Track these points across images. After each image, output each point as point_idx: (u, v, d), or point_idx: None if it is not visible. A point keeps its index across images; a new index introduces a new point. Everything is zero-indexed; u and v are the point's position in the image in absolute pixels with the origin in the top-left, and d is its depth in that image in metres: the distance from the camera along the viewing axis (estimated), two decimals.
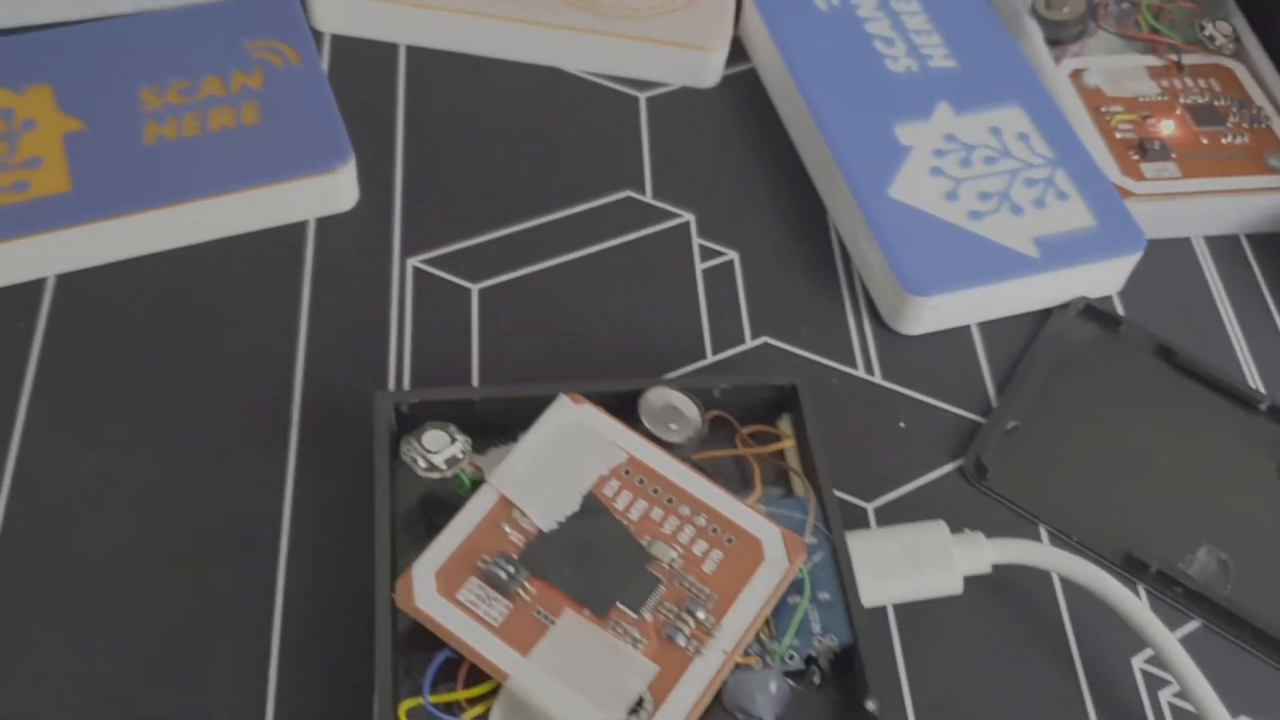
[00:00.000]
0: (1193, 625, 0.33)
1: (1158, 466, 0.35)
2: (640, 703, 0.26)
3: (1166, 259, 0.40)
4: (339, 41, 0.42)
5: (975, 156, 0.39)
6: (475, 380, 0.35)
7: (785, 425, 0.33)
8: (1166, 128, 0.41)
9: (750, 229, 0.39)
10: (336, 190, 0.37)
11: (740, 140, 0.41)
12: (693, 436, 0.31)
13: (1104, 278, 0.38)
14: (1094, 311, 0.38)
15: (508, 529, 0.29)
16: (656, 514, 0.29)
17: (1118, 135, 0.41)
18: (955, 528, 0.31)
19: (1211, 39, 0.44)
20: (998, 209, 0.37)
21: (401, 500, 0.30)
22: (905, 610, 0.32)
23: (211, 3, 0.40)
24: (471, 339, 0.35)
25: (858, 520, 0.33)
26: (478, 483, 0.29)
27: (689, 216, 0.39)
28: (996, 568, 0.31)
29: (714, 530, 0.29)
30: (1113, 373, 0.37)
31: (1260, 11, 0.45)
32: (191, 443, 0.33)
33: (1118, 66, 0.43)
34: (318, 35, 0.42)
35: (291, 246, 0.37)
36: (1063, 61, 0.43)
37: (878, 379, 0.36)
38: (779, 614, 0.29)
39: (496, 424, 0.31)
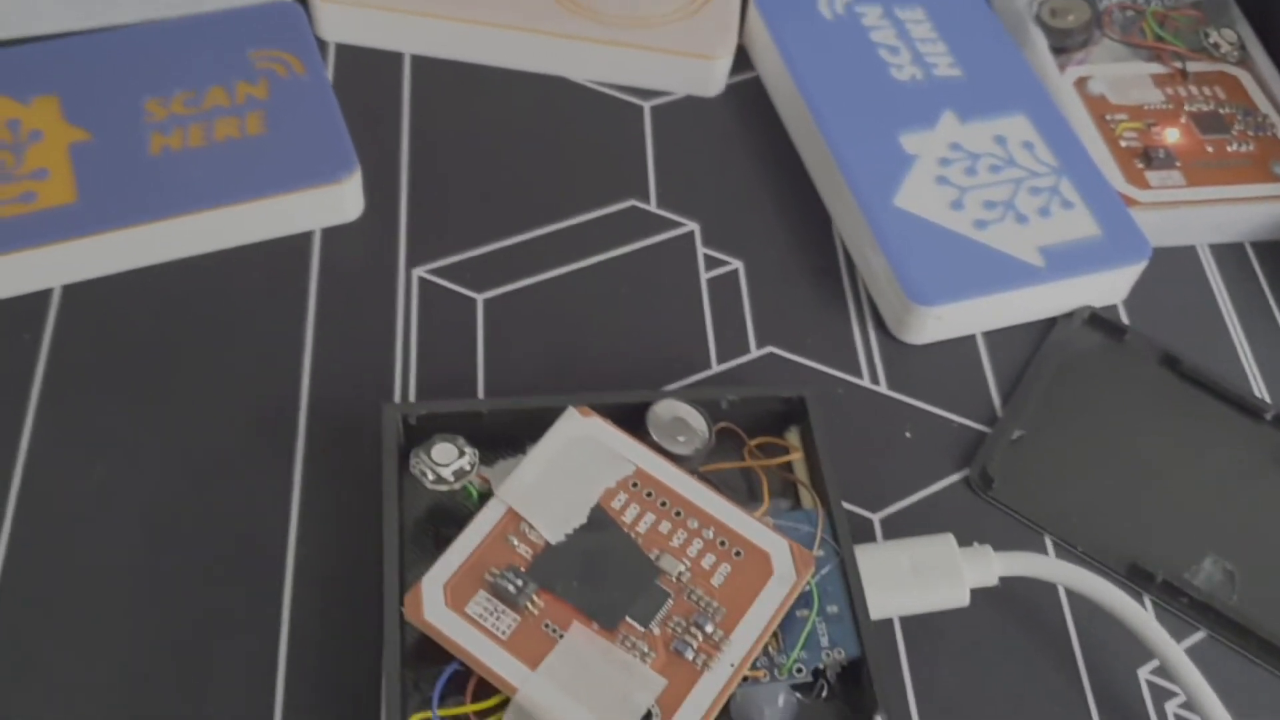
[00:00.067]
0: (1198, 636, 0.33)
1: (1163, 476, 0.35)
2: (648, 716, 0.26)
3: (1171, 267, 0.40)
4: (344, 51, 0.42)
5: (980, 165, 0.39)
6: (480, 390, 0.35)
7: (793, 437, 0.33)
8: (1171, 136, 0.41)
9: (755, 238, 0.39)
10: (342, 200, 0.37)
11: (745, 149, 0.41)
12: (700, 449, 0.31)
13: (1109, 286, 0.38)
14: (1099, 320, 0.38)
15: (516, 542, 0.29)
16: (664, 527, 0.29)
17: (1122, 143, 0.41)
18: (961, 538, 0.31)
19: (1216, 47, 0.44)
20: (1003, 218, 0.37)
21: (409, 512, 0.30)
22: (911, 622, 0.32)
23: (216, 13, 0.40)
24: (476, 349, 0.35)
25: (863, 531, 0.33)
26: (486, 495, 0.30)
27: (693, 226, 0.39)
28: (1002, 579, 0.31)
29: (722, 543, 0.29)
30: (1118, 382, 0.37)
31: (1265, 19, 0.45)
32: (197, 454, 0.33)
33: (1122, 74, 0.43)
34: (322, 45, 0.42)
35: (297, 257, 0.37)
36: (1067, 70, 0.43)
37: (883, 389, 0.36)
38: (787, 627, 0.29)
39: (504, 436, 0.31)
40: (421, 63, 0.42)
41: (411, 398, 0.34)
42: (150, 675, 0.29)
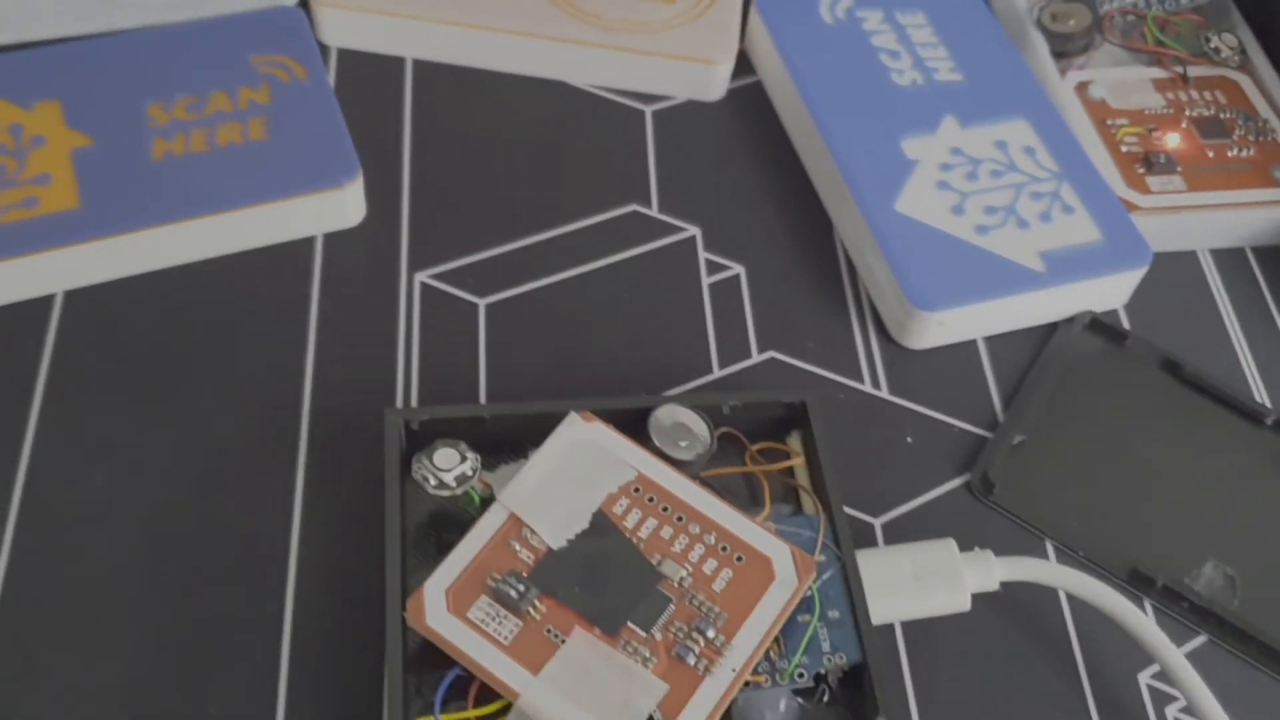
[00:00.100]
0: (1199, 640, 0.33)
1: (1164, 481, 0.35)
2: None
3: (1172, 272, 0.40)
4: (346, 56, 0.42)
5: (981, 170, 0.39)
6: (482, 395, 0.35)
7: (794, 442, 0.33)
8: (1172, 141, 0.41)
9: (756, 243, 0.39)
10: (344, 206, 0.37)
11: (746, 154, 0.41)
12: (702, 454, 0.31)
13: (1110, 291, 0.38)
14: (1100, 325, 0.38)
15: (518, 547, 0.29)
16: (666, 532, 0.29)
17: (1123, 148, 0.41)
18: (962, 543, 0.31)
19: (1217, 51, 0.44)
20: (1004, 223, 0.38)
21: (411, 517, 0.30)
22: (913, 627, 0.32)
23: (218, 18, 0.40)
24: (478, 354, 0.36)
25: (865, 536, 0.33)
26: (488, 500, 0.30)
27: (695, 230, 0.39)
28: (1004, 584, 0.31)
29: (724, 548, 0.29)
30: (1119, 387, 0.37)
31: (1266, 24, 0.45)
32: (199, 459, 0.33)
33: (1123, 79, 0.43)
34: (324, 50, 0.42)
35: (299, 262, 0.37)
36: (1068, 74, 0.43)
37: (884, 394, 0.36)
38: (788, 632, 0.29)
39: (506, 441, 0.31)
40: (423, 68, 0.42)
41: (413, 403, 0.34)
42: (152, 679, 0.29)
